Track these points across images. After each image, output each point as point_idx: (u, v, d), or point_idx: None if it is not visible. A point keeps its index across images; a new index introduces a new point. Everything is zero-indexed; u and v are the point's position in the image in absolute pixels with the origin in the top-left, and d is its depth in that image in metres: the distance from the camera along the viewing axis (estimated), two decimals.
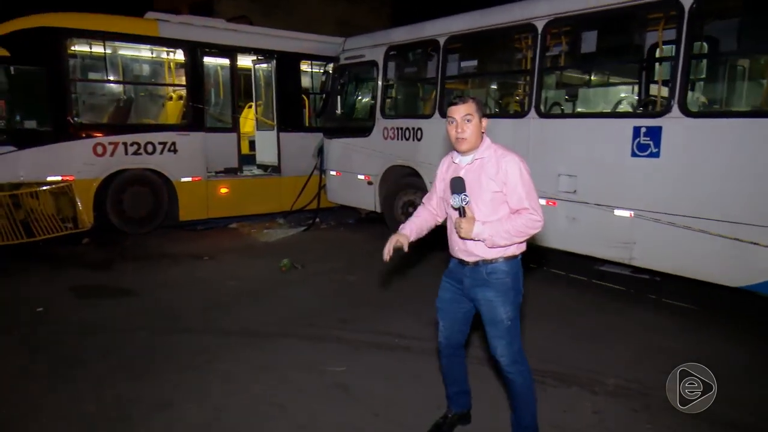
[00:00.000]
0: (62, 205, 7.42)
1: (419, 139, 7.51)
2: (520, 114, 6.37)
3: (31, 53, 7.02)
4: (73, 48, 7.59)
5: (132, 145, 7.68)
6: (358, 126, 8.61)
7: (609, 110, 6.30)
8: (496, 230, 2.54)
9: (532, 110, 6.03)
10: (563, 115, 6.26)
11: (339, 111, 8.99)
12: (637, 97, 6.11)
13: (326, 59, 9.23)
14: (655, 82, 5.61)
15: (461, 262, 2.73)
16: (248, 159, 9.67)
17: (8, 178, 7.00)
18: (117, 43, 7.99)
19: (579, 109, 6.33)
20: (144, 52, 8.59)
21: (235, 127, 9.06)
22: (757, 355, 4.19)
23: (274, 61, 9.06)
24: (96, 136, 7.44)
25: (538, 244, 6.09)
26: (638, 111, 5.78)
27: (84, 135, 7.38)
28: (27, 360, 3.88)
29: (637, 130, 5.17)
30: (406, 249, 2.81)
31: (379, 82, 8.01)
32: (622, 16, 5.48)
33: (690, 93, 5.04)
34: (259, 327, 4.47)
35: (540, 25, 5.93)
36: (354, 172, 8.58)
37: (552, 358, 3.95)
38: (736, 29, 5.21)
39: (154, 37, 7.91)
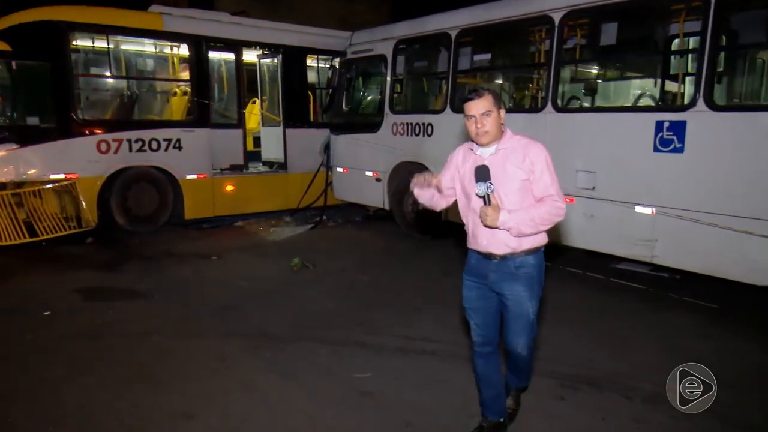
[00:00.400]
0: (65, 203, 7.26)
1: (429, 135, 7.36)
2: (536, 109, 6.23)
3: (34, 48, 6.84)
4: (76, 42, 7.39)
5: (136, 141, 7.51)
6: (365, 122, 8.45)
7: (630, 104, 6.16)
8: (521, 218, 2.51)
9: (549, 104, 5.88)
10: (581, 110, 6.11)
11: (346, 106, 8.83)
12: (659, 91, 5.96)
13: (333, 53, 9.06)
14: (680, 76, 5.46)
15: (488, 256, 2.68)
16: (252, 156, 9.49)
17: (10, 177, 6.83)
18: (121, 38, 7.80)
19: (598, 104, 6.18)
20: (148, 46, 8.40)
21: (240, 123, 8.89)
22: None
23: (280, 56, 8.88)
24: (100, 133, 7.27)
25: (554, 242, 5.97)
26: (661, 105, 5.64)
27: (88, 132, 7.21)
28: (36, 367, 3.72)
29: (660, 125, 5.03)
30: (432, 182, 2.78)
31: (388, 77, 7.85)
32: (645, 7, 5.34)
33: (716, 86, 4.89)
34: (276, 330, 4.32)
35: (557, 17, 5.77)
36: (362, 168, 8.43)
37: (581, 362, 3.83)
38: (764, 20, 5.05)
39: (158, 31, 7.73)
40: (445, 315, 4.64)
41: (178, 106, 8.32)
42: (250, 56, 9.34)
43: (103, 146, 7.27)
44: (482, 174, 2.53)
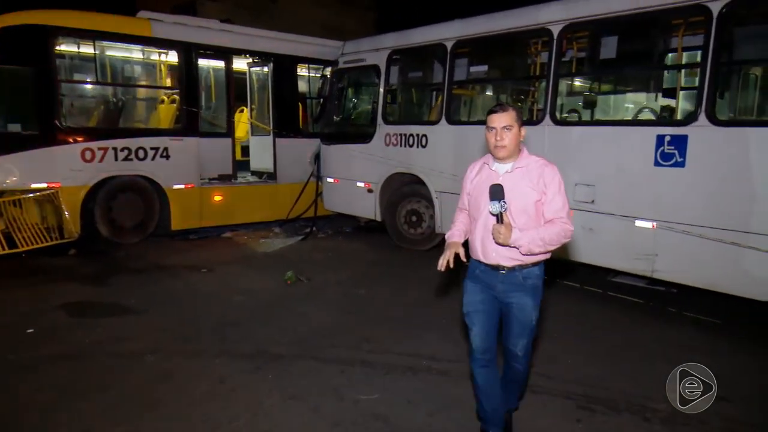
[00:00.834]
0: (47, 213, 6.98)
1: (424, 146, 7.28)
2: (534, 121, 6.19)
3: (17, 52, 6.58)
4: (61, 47, 7.15)
5: (122, 150, 7.28)
6: (357, 132, 8.35)
7: (630, 118, 6.16)
8: (532, 238, 2.58)
9: (547, 117, 5.86)
10: (581, 123, 6.10)
11: (337, 116, 8.72)
12: (660, 105, 5.97)
13: (324, 63, 8.95)
14: (680, 90, 5.48)
15: (496, 267, 2.73)
16: (240, 165, 9.29)
17: None
18: (108, 43, 7.58)
19: (598, 117, 6.17)
20: (136, 53, 8.18)
21: (230, 132, 8.69)
22: None
23: (271, 64, 8.74)
24: (84, 141, 7.01)
25: (552, 256, 5.92)
26: (662, 119, 5.64)
27: (72, 139, 6.96)
28: (21, 391, 3.48)
29: (660, 139, 5.03)
30: (464, 258, 2.81)
31: (381, 87, 7.77)
32: (645, 21, 5.33)
33: (718, 101, 4.90)
34: (277, 348, 4.15)
35: (556, 30, 5.77)
36: (353, 179, 8.31)
37: (592, 381, 3.74)
38: (766, 34, 5.10)
39: (146, 38, 7.53)
40: (449, 330, 4.53)
41: (165, 114, 8.11)
42: (239, 64, 9.17)
43: (88, 154, 7.02)
44: (496, 193, 2.58)
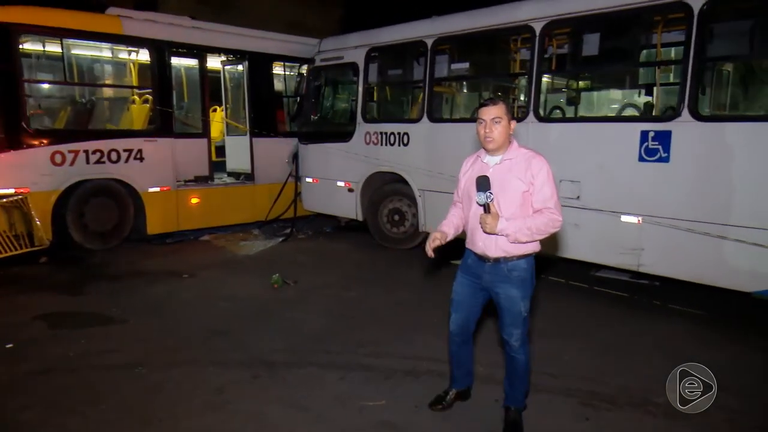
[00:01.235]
0: (15, 220, 6.65)
1: (405, 144, 7.23)
2: (518, 118, 6.20)
3: None
4: (26, 46, 6.82)
5: (94, 153, 7.00)
6: (336, 131, 8.24)
7: (614, 114, 6.22)
8: (518, 226, 2.69)
9: (531, 114, 5.87)
10: (564, 119, 6.14)
11: (315, 115, 8.59)
12: (643, 102, 6.05)
13: (300, 61, 8.80)
14: (663, 86, 5.56)
15: (482, 258, 2.88)
16: (215, 166, 9.06)
17: None
18: (76, 41, 7.27)
19: (581, 113, 6.22)
20: (106, 51, 7.88)
21: (205, 132, 8.45)
22: None
23: (246, 62, 8.54)
24: (54, 144, 6.70)
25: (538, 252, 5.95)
26: (646, 115, 5.71)
27: (40, 142, 6.64)
28: (5, 411, 3.29)
29: (644, 135, 5.09)
30: (442, 242, 3.01)
31: (360, 85, 7.67)
32: (627, 18, 5.37)
33: (701, 96, 4.99)
34: (272, 356, 4.03)
35: (538, 27, 5.78)
36: (333, 178, 8.20)
37: (592, 377, 3.76)
38: (747, 31, 5.20)
39: (117, 35, 7.23)
40: (442, 330, 4.34)
41: (138, 115, 7.84)
42: (212, 62, 8.94)
43: (58, 158, 6.72)
44: (483, 184, 2.73)
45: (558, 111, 6.32)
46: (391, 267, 6.78)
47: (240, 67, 8.88)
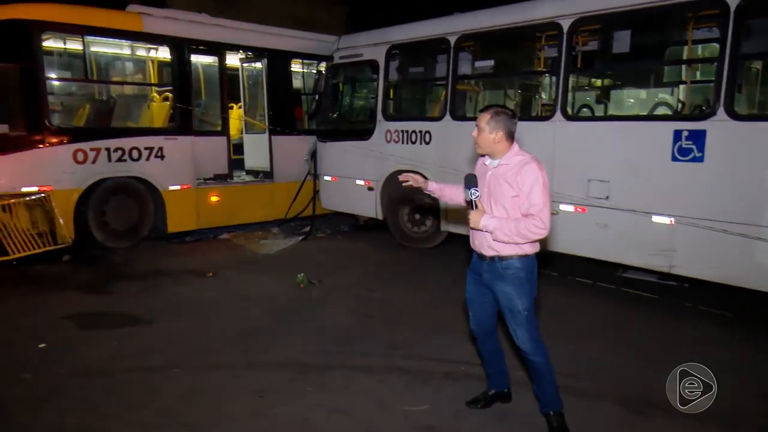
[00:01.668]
0: (37, 218, 6.64)
1: (428, 143, 7.16)
2: (544, 117, 6.13)
3: (2, 49, 6.22)
4: (48, 43, 6.80)
5: (116, 150, 6.97)
6: (356, 128, 8.18)
7: (645, 113, 6.12)
8: (500, 226, 2.80)
9: (558, 113, 5.79)
10: (594, 118, 6.05)
11: (334, 113, 8.53)
12: (676, 100, 5.95)
13: (318, 58, 8.75)
14: (698, 84, 5.47)
15: (480, 256, 3.01)
16: (233, 164, 9.03)
17: None
18: (98, 39, 7.24)
19: (611, 112, 6.13)
20: (126, 48, 7.84)
21: (224, 130, 8.41)
22: None
23: (266, 60, 8.49)
24: (76, 142, 6.68)
25: (562, 251, 5.88)
26: (679, 114, 5.61)
27: (62, 140, 6.63)
28: (45, 414, 3.25)
29: (678, 134, 5.00)
30: (417, 184, 3.23)
31: (380, 83, 7.60)
32: (659, 15, 5.28)
33: (737, 95, 4.90)
34: (306, 357, 3.99)
35: (566, 24, 5.69)
36: (352, 177, 8.14)
37: (633, 382, 3.69)
38: None
39: (138, 33, 7.20)
40: None
41: (159, 113, 7.80)
42: (231, 60, 8.89)
43: (80, 156, 6.70)
44: (469, 182, 2.92)
45: (586, 110, 6.23)
46: (413, 267, 6.73)
47: (258, 65, 8.84)
